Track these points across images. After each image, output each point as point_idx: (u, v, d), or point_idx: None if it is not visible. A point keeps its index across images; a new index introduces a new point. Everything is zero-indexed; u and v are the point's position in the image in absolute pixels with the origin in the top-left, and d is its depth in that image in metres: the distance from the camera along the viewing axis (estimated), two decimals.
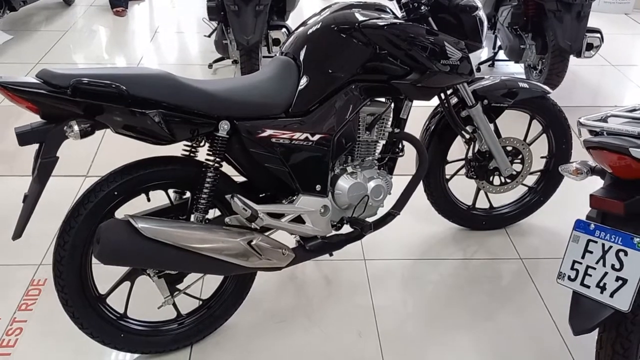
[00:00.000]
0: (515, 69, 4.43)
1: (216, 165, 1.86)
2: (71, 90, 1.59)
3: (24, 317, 2.22)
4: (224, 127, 1.81)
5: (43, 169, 1.65)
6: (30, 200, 1.68)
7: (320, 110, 1.96)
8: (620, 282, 1.48)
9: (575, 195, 2.90)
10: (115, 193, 1.79)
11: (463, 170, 2.61)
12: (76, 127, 1.62)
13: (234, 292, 2.11)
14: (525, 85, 2.45)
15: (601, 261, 1.53)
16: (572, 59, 3.73)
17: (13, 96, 1.58)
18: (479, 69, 4.34)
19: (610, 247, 1.51)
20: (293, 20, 4.30)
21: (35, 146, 1.67)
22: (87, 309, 1.87)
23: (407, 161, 2.35)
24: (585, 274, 1.55)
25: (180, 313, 2.08)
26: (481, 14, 2.18)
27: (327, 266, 2.50)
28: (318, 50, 2.00)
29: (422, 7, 2.12)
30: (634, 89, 4.32)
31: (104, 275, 1.94)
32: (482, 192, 2.66)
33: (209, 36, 4.33)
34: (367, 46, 1.98)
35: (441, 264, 2.57)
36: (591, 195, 1.55)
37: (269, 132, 1.88)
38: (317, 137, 1.95)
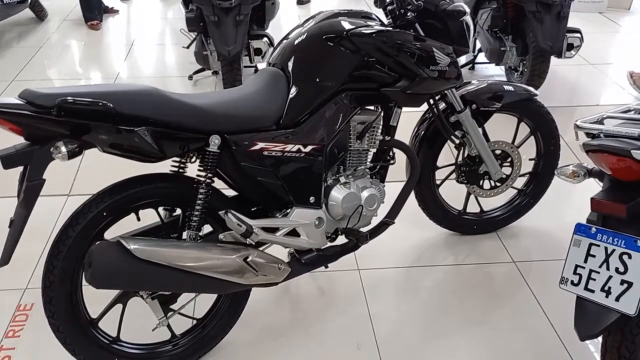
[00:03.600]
0: (494, 71, 4.46)
1: (208, 181, 1.82)
2: (56, 110, 1.53)
3: (11, 344, 2.14)
4: (215, 141, 1.77)
5: (29, 192, 1.59)
6: (17, 225, 1.62)
7: (311, 121, 1.93)
8: (625, 285, 1.47)
9: (564, 197, 2.92)
10: (105, 213, 1.74)
11: (453, 176, 2.60)
12: (64, 148, 1.56)
13: (229, 309, 2.06)
14: (512, 88, 2.45)
15: (605, 265, 1.51)
16: (553, 59, 3.75)
17: None
18: None
19: (614, 250, 1.50)
20: (272, 29, 4.27)
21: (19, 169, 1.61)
22: (79, 335, 1.81)
23: (397, 168, 2.32)
24: (589, 278, 1.53)
25: (175, 334, 2.03)
26: (468, 18, 2.17)
27: (321, 277, 2.46)
28: (307, 60, 1.97)
29: (408, 14, 2.10)
30: (612, 86, 4.36)
31: (94, 298, 1.88)
32: (472, 197, 2.65)
33: (188, 47, 4.28)
34: (355, 54, 1.96)
35: (434, 270, 2.55)
36: (592, 199, 1.54)
37: (260, 145, 1.84)
38: (309, 148, 1.92)
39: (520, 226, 2.79)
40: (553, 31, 3.54)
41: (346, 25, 1.99)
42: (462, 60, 4.54)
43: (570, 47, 3.66)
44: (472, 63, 4.46)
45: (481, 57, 4.36)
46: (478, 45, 4.34)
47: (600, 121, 1.58)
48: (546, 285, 2.43)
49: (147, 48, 5.07)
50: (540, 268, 2.56)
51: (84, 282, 1.75)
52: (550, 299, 2.35)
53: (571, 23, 3.78)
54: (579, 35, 3.67)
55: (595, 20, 5.63)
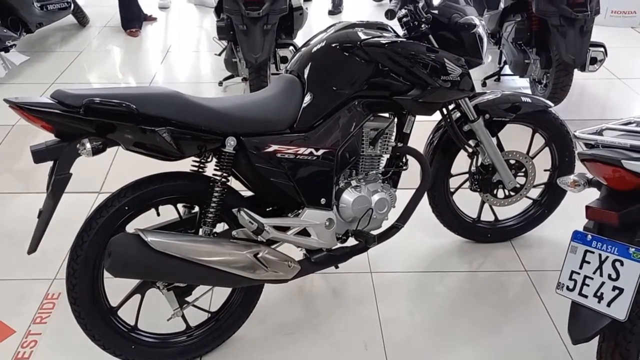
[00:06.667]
0: (521, 83, 4.47)
1: (223, 180, 1.92)
2: (84, 109, 1.66)
3: (38, 330, 2.27)
4: (230, 143, 1.87)
5: (57, 185, 1.72)
6: (45, 216, 1.74)
7: (324, 126, 2.02)
8: (616, 291, 1.51)
9: (580, 208, 2.92)
10: (126, 208, 1.85)
11: (467, 184, 2.64)
12: (88, 145, 1.68)
13: (242, 304, 2.16)
14: (527, 100, 2.49)
15: (598, 271, 1.56)
16: (579, 72, 3.77)
17: (29, 116, 1.65)
18: (484, 84, 4.40)
19: (607, 257, 1.54)
20: (301, 38, 4.38)
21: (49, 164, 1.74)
22: (99, 321, 1.93)
23: (413, 175, 2.39)
24: (583, 284, 1.58)
25: (190, 325, 2.13)
26: (480, 31, 2.22)
27: (333, 279, 2.54)
28: (321, 68, 2.06)
29: (422, 26, 2.18)
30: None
31: (115, 288, 2.00)
32: (487, 205, 2.69)
33: (220, 55, 4.42)
34: (369, 63, 2.04)
35: (447, 277, 2.60)
36: (587, 207, 1.59)
37: (274, 147, 1.94)
38: (321, 151, 2.01)
39: (535, 236, 2.81)
40: (576, 45, 3.56)
41: (361, 35, 2.08)
42: (489, 71, 4.57)
43: (594, 60, 3.67)
44: (498, 75, 4.49)
45: (507, 69, 4.39)
46: (504, 58, 4.37)
47: (599, 132, 1.63)
48: (557, 295, 2.45)
49: (182, 55, 5.24)
50: (553, 278, 2.54)
51: (105, 272, 1.87)
52: (560, 310, 2.37)
53: (602, 37, 3.79)
54: (602, 49, 3.67)
55: (627, 35, 5.58)
